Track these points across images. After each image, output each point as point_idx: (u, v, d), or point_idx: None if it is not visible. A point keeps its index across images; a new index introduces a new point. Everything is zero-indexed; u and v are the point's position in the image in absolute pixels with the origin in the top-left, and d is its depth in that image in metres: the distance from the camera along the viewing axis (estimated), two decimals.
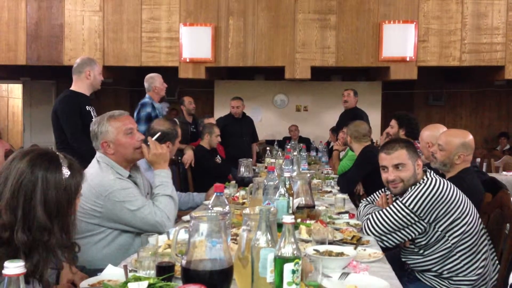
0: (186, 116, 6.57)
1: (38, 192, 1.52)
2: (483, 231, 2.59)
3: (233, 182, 3.85)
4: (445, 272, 2.50)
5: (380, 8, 7.78)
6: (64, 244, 1.57)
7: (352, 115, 6.06)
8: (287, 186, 2.54)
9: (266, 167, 4.59)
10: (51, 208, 1.53)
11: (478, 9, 7.69)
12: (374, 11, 7.79)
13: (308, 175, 3.02)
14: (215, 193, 1.89)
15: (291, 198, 2.55)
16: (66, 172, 1.59)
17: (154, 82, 5.34)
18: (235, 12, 7.87)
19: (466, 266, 2.48)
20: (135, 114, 5.17)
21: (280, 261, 1.43)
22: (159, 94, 5.34)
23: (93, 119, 2.62)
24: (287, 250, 1.43)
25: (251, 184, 2.87)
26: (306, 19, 7.83)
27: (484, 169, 7.08)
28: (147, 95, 5.31)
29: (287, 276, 1.43)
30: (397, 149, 2.60)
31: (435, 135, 3.36)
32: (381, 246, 2.46)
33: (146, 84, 5.38)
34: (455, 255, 2.48)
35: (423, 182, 2.50)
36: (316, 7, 7.82)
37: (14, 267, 1.03)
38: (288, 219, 1.45)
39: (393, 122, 4.58)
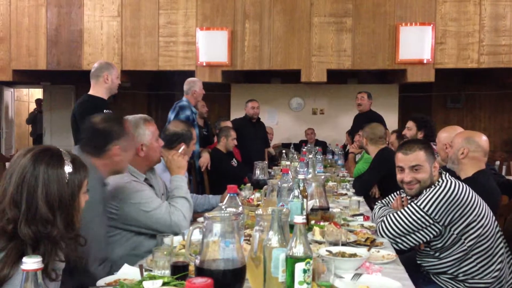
0: (198, 119, 6.61)
1: (40, 186, 1.58)
2: (499, 234, 2.56)
3: (249, 184, 3.88)
4: (460, 275, 2.49)
5: (396, 10, 7.75)
6: (68, 236, 1.61)
7: (368, 118, 6.03)
8: (301, 188, 2.56)
9: (281, 170, 4.60)
10: (53, 202, 1.59)
11: (496, 11, 7.60)
12: (390, 14, 7.76)
13: (323, 177, 3.03)
14: (228, 194, 1.91)
15: (305, 200, 2.57)
16: (68, 167, 1.64)
17: (194, 86, 5.42)
18: (251, 16, 7.91)
19: (482, 269, 2.46)
20: (172, 116, 5.21)
21: (291, 261, 1.45)
22: (196, 99, 5.42)
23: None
24: (299, 249, 1.45)
25: (265, 186, 2.89)
26: (322, 22, 7.84)
27: (503, 172, 6.99)
28: (184, 98, 5.37)
29: (298, 276, 1.45)
30: (415, 150, 2.58)
31: (453, 136, 3.34)
32: (395, 249, 2.46)
33: (185, 87, 5.44)
34: (470, 257, 2.47)
35: (438, 184, 2.48)
36: (332, 10, 7.82)
37: (32, 263, 1.06)
38: (299, 219, 1.47)
39: (411, 124, 4.54)
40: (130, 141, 2.37)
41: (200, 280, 1.05)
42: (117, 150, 2.28)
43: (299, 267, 1.44)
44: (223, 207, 1.92)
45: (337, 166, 6.15)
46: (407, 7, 7.75)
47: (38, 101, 11.53)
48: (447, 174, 2.59)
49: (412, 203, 2.52)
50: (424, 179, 2.54)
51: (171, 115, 5.25)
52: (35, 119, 11.30)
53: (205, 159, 5.13)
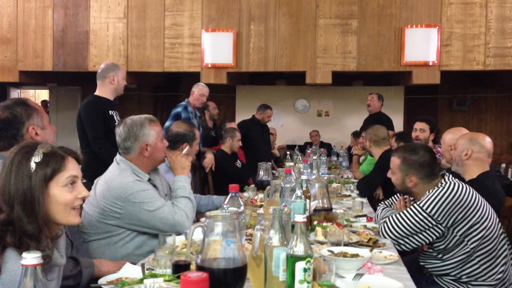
0: (208, 121, 6.64)
1: (2, 177, 1.55)
2: (502, 236, 2.55)
3: (252, 185, 3.89)
4: (463, 277, 2.48)
5: (402, 12, 7.73)
6: (28, 231, 1.51)
7: (375, 120, 6.03)
8: (304, 188, 2.56)
9: (285, 170, 4.60)
10: (8, 193, 1.53)
11: (502, 13, 7.56)
12: (396, 16, 7.74)
13: (326, 178, 3.03)
14: (230, 193, 1.92)
15: (308, 200, 2.57)
16: (36, 159, 1.57)
17: (194, 88, 5.59)
18: (256, 17, 7.92)
19: (485, 271, 2.45)
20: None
21: (292, 260, 1.45)
22: (193, 101, 5.50)
23: (128, 120, 2.65)
24: (299, 248, 1.45)
25: (268, 187, 2.89)
26: (327, 24, 7.83)
27: (509, 175, 6.96)
28: (186, 99, 5.56)
29: (299, 275, 1.45)
30: (394, 155, 2.73)
31: (457, 138, 3.33)
32: (398, 250, 2.45)
33: None
34: (474, 259, 2.46)
35: (441, 185, 2.48)
36: (337, 12, 7.81)
37: (31, 258, 1.06)
38: (299, 218, 1.47)
39: (424, 126, 4.50)
40: (44, 121, 2.29)
41: (195, 274, 1.05)
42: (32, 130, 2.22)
43: (300, 266, 1.45)
44: (225, 206, 1.92)
45: (342, 168, 6.14)
46: (412, 9, 7.72)
47: (44, 103, 11.57)
48: (450, 175, 2.58)
49: (414, 204, 2.52)
50: (396, 184, 2.71)
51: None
52: None
53: (209, 160, 5.14)
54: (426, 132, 4.49)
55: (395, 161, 2.69)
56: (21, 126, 2.19)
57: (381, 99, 6.68)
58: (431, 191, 2.49)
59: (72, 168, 1.63)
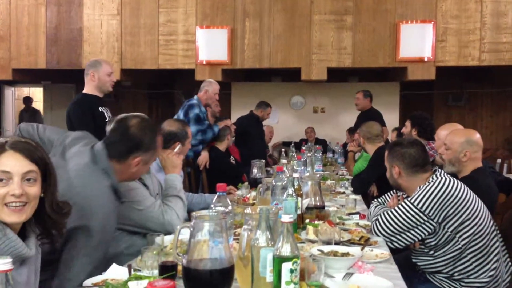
0: (209, 118, 6.58)
1: None
2: (494, 233, 2.53)
3: (246, 183, 3.87)
4: (456, 274, 2.46)
5: (397, 8, 7.71)
6: None
7: (365, 117, 6.02)
8: (296, 186, 2.53)
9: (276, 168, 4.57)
10: None
11: (497, 8, 7.55)
12: (391, 11, 7.72)
13: (318, 175, 3.00)
14: (217, 193, 1.89)
15: (299, 198, 2.54)
16: None
17: (207, 86, 5.38)
18: (251, 14, 7.88)
19: (477, 268, 2.44)
20: (181, 114, 5.18)
21: (278, 260, 1.43)
22: (206, 100, 5.35)
23: (119, 117, 2.60)
24: (286, 249, 1.43)
25: (259, 185, 2.86)
26: (322, 20, 7.80)
27: (505, 170, 6.94)
28: (195, 96, 5.35)
29: (285, 276, 1.42)
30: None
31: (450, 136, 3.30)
32: (391, 247, 2.43)
33: (201, 85, 5.43)
34: (466, 256, 2.44)
35: (432, 180, 2.46)
36: (332, 8, 7.78)
37: (2, 264, 1.03)
38: (286, 218, 1.44)
39: (407, 122, 4.55)
40: (153, 155, 2.29)
41: (161, 283, 1.02)
42: (137, 162, 2.20)
43: (286, 267, 1.42)
44: (212, 206, 1.89)
45: (337, 164, 6.13)
46: (407, 4, 7.71)
47: (26, 99, 11.28)
48: (443, 171, 2.56)
49: (405, 200, 2.50)
50: (388, 177, 2.75)
51: (180, 113, 5.23)
52: (21, 119, 11.04)
53: (203, 158, 5.11)
54: (407, 128, 4.53)
55: (385, 153, 2.76)
56: None
57: (367, 96, 6.64)
58: (422, 186, 2.47)
59: (5, 164, 1.51)
